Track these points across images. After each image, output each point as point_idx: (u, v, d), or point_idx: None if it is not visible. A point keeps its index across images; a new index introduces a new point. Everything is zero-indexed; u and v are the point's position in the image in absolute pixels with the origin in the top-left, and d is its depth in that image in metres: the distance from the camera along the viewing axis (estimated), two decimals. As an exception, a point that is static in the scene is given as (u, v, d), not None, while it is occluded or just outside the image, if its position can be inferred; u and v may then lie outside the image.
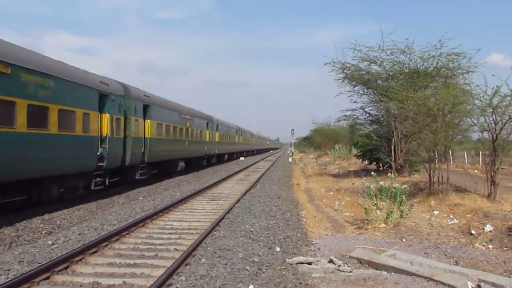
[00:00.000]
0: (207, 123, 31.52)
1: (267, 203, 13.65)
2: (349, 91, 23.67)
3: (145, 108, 18.54)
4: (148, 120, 18.83)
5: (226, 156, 40.46)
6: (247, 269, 6.65)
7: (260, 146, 78.41)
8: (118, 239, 8.83)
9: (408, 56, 20.96)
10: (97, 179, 14.56)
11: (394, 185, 10.88)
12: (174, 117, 22.99)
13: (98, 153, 14.29)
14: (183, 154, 25.03)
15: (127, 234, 9.31)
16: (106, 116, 14.64)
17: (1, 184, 10.00)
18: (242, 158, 47.21)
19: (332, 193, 17.52)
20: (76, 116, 12.67)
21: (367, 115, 25.13)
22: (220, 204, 13.87)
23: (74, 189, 13.75)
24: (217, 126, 35.06)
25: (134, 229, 9.74)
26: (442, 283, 6.44)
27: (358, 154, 29.51)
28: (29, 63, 10.66)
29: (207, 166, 32.61)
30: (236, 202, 13.76)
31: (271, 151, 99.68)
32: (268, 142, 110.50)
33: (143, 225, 10.24)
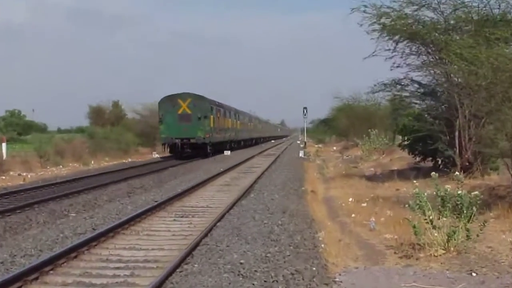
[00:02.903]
0: (235, 114, 59.73)
1: (265, 221, 13.67)
2: (389, 49, 23.54)
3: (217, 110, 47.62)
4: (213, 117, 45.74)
5: (242, 142, 66.24)
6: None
7: (269, 133, 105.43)
8: (37, 278, 8.83)
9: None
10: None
11: (459, 192, 10.85)
12: (227, 114, 54.39)
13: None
14: (230, 137, 55.72)
15: (51, 270, 9.32)
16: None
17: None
18: (228, 153, 47.67)
19: (365, 204, 17.51)
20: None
21: (417, 85, 25.10)
22: (194, 223, 13.97)
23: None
24: (239, 115, 63.08)
25: (62, 263, 9.76)
26: None
27: (405, 144, 29.46)
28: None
29: (238, 148, 60.14)
30: (219, 220, 13.83)
31: (272, 141, 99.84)
32: (279, 130, 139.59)
33: (75, 256, 10.28)
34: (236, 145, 60.04)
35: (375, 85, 25.95)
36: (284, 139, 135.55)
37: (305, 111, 60.18)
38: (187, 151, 42.93)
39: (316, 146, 73.30)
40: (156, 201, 17.11)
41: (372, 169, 31.60)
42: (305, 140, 66.51)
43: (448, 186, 11.51)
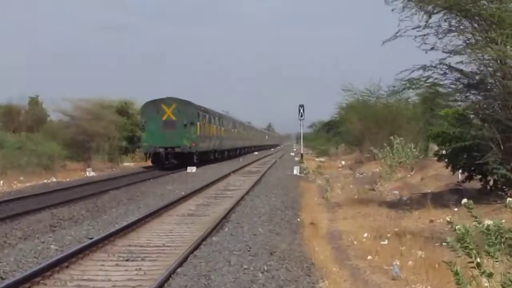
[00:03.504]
0: (219, 119, 69.91)
1: (245, 266, 13.68)
2: (418, 26, 23.60)
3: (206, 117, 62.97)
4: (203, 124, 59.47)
5: (226, 152, 76.75)
6: None
7: (255, 142, 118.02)
8: None
9: None
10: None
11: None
12: (212, 120, 64.76)
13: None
14: (215, 147, 65.98)
15: None
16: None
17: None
18: (192, 170, 47.89)
19: (386, 242, 17.52)
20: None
21: (458, 74, 25.15)
22: (144, 268, 13.95)
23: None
24: (223, 121, 73.26)
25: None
26: None
27: (442, 154, 29.37)
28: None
29: (221, 159, 70.08)
30: (180, 265, 13.83)
31: (255, 153, 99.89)
32: (266, 137, 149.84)
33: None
34: (220, 155, 71.27)
35: (394, 85, 25.94)
36: (272, 150, 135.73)
37: (301, 111, 60.45)
38: (171, 161, 53.24)
39: (317, 159, 73.51)
40: (91, 238, 17.02)
41: (396, 192, 31.63)
42: (302, 151, 66.62)
43: (503, 216, 11.51)
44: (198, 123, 55.50)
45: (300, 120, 62.54)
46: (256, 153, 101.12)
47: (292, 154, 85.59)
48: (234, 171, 48.49)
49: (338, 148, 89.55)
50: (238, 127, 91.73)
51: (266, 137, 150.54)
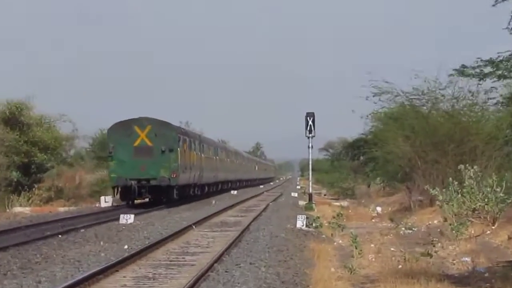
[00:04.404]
0: (199, 144, 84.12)
1: None
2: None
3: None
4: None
5: (206, 187, 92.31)
6: None
7: (241, 174, 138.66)
8: None
9: None
10: None
11: None
12: (192, 145, 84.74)
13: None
14: (194, 179, 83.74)
15: None
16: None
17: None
18: (128, 220, 48.02)
19: None
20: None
21: None
22: None
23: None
24: (203, 146, 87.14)
25: None
26: None
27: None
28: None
29: (200, 196, 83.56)
30: None
31: (234, 192, 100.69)
32: (256, 167, 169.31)
33: None
34: (199, 191, 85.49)
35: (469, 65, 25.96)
36: (262, 187, 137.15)
37: (310, 122, 60.39)
38: (145, 196, 66.39)
39: (337, 203, 73.63)
40: None
41: (467, 259, 31.73)
42: (311, 189, 66.67)
43: None
44: (179, 149, 64.84)
45: (308, 138, 62.67)
46: (234, 192, 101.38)
47: (295, 194, 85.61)
48: (197, 223, 48.20)
49: (370, 186, 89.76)
50: (221, 153, 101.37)
51: (256, 167, 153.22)
